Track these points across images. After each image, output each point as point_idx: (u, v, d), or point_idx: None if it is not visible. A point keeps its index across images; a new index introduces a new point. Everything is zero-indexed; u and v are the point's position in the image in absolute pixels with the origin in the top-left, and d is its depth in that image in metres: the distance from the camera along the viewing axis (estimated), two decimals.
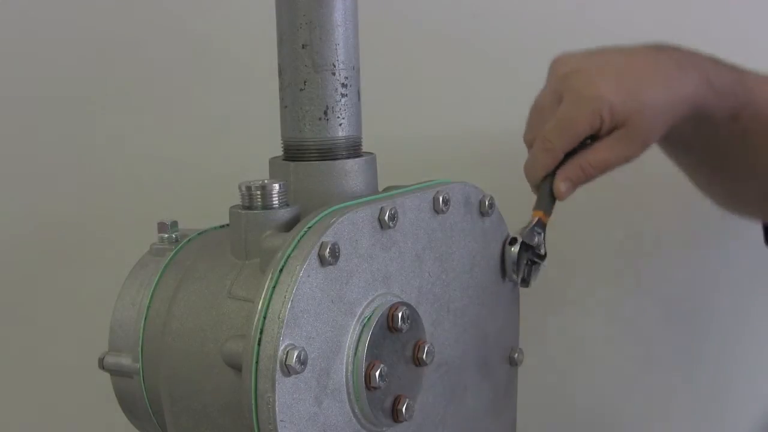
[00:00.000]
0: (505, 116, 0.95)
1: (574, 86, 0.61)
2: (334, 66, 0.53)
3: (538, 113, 0.66)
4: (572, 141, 0.62)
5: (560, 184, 0.62)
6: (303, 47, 0.53)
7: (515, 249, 0.60)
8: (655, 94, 0.61)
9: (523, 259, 0.60)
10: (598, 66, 0.63)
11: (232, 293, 0.49)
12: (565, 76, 0.63)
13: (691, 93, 0.63)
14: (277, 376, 0.42)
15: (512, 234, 0.60)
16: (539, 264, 0.61)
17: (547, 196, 0.63)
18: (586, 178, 0.63)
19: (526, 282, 0.61)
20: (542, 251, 0.61)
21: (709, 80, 0.63)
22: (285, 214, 0.50)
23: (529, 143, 0.65)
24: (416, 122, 0.96)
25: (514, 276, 0.60)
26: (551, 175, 0.63)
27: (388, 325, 0.48)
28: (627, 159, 0.63)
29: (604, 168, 0.62)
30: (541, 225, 0.61)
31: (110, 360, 0.55)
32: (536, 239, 0.60)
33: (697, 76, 0.63)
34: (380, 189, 0.57)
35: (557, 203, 0.63)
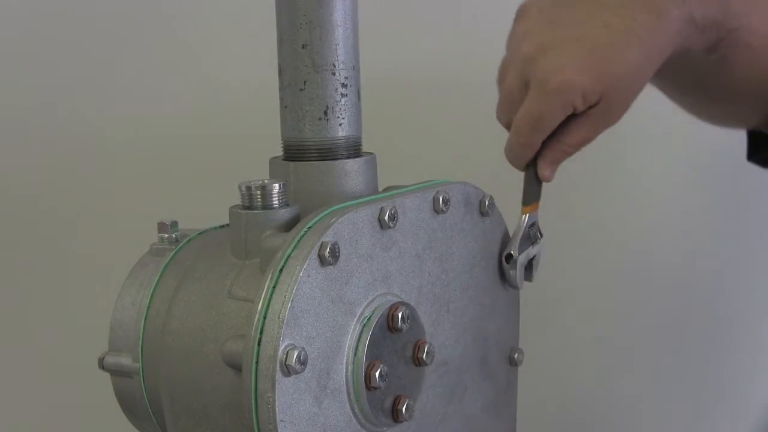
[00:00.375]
0: None
1: (540, 76, 0.56)
2: (334, 66, 0.53)
3: (508, 97, 0.61)
4: (546, 133, 0.59)
5: (545, 171, 0.60)
6: (303, 47, 0.53)
7: (511, 266, 0.60)
8: (630, 60, 0.56)
9: (522, 266, 0.60)
10: (563, 39, 0.56)
11: (232, 293, 0.49)
12: (530, 60, 0.57)
13: (671, 42, 0.57)
14: (277, 376, 0.42)
15: (507, 250, 0.60)
16: (537, 256, 0.61)
17: (533, 183, 0.62)
18: (569, 156, 0.61)
19: (529, 277, 0.61)
20: (538, 238, 0.61)
21: (692, 16, 0.56)
22: (285, 214, 0.50)
23: (505, 125, 0.63)
24: (416, 122, 0.96)
25: (516, 284, 0.61)
26: (533, 161, 0.62)
27: (388, 325, 0.48)
28: (606, 128, 0.60)
29: (585, 144, 0.60)
30: (533, 219, 0.61)
31: (110, 360, 0.55)
32: (531, 236, 0.60)
33: (678, 18, 0.56)
34: (380, 189, 0.57)
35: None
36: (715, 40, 0.59)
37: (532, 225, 0.61)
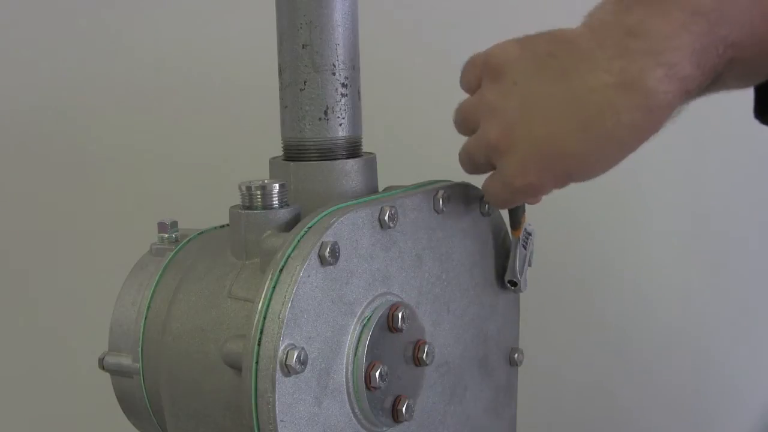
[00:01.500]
0: None
1: (505, 172, 0.51)
2: (334, 66, 0.53)
3: (471, 160, 0.55)
4: (516, 204, 0.57)
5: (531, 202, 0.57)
6: (303, 47, 0.53)
7: (517, 289, 0.61)
8: (603, 164, 0.49)
9: (525, 279, 0.61)
10: (533, 137, 0.49)
11: (232, 293, 0.49)
12: (496, 150, 0.51)
13: (658, 126, 0.47)
14: (277, 376, 0.42)
15: (508, 277, 0.61)
16: (531, 252, 0.61)
17: (516, 209, 0.61)
18: None
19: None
20: (529, 241, 0.61)
21: (687, 88, 0.46)
22: (285, 214, 0.50)
23: (468, 170, 0.57)
24: (416, 122, 0.96)
25: (522, 290, 0.62)
26: None
27: (388, 325, 0.48)
28: None
29: None
30: (524, 238, 0.61)
31: (110, 360, 0.55)
32: (525, 248, 0.61)
33: (672, 100, 0.46)
34: (380, 189, 0.57)
35: None
36: (712, 80, 0.48)
37: (525, 240, 0.61)
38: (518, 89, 0.50)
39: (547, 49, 0.49)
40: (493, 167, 0.53)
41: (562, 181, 0.50)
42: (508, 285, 0.61)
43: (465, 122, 0.55)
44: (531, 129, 0.49)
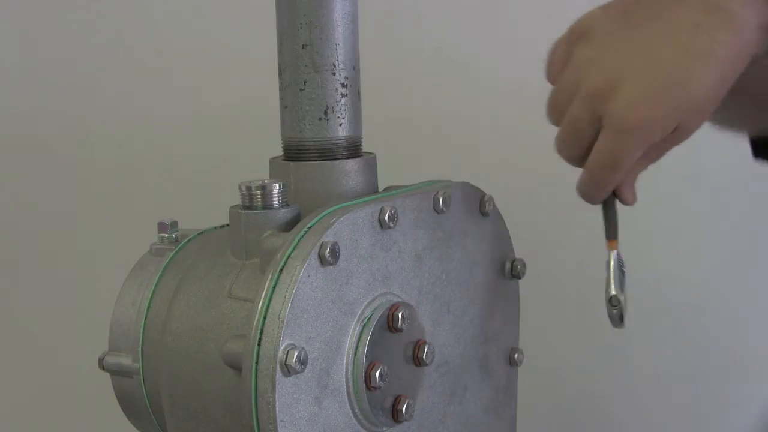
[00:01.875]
0: (505, 116, 0.95)
1: (615, 113, 0.52)
2: (334, 66, 0.53)
3: (574, 132, 0.56)
4: (625, 170, 0.55)
5: (628, 197, 0.57)
6: (303, 47, 0.53)
7: (618, 307, 0.56)
8: (708, 84, 0.52)
9: (625, 303, 0.57)
10: (636, 69, 0.52)
11: (232, 293, 0.49)
12: (601, 96, 0.52)
13: (748, 55, 0.51)
14: (277, 376, 0.42)
15: (611, 292, 0.56)
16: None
17: (612, 214, 0.59)
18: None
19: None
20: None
21: (766, 23, 0.51)
22: (285, 214, 0.50)
23: (568, 159, 0.58)
24: (416, 122, 0.96)
25: (621, 324, 0.57)
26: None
27: (388, 325, 0.48)
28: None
29: (654, 162, 0.56)
30: (619, 258, 0.58)
31: (110, 360, 0.55)
32: (622, 270, 0.57)
33: (757, 27, 0.51)
34: (380, 189, 0.57)
35: None
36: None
37: (620, 260, 0.58)
38: (612, 37, 0.53)
39: None
40: (596, 132, 0.53)
41: (671, 116, 0.51)
42: (609, 303, 0.56)
43: (561, 97, 0.55)
44: (633, 63, 0.51)
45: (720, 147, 0.98)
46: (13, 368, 0.99)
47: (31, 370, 0.99)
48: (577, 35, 0.55)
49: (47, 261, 0.97)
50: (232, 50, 0.94)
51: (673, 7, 0.51)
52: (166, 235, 0.58)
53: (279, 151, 0.56)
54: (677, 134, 0.53)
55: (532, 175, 0.92)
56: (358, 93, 0.55)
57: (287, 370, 0.42)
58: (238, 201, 0.51)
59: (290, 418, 0.43)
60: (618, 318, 0.56)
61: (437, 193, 0.53)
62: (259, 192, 0.50)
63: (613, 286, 0.56)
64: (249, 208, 0.50)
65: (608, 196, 0.58)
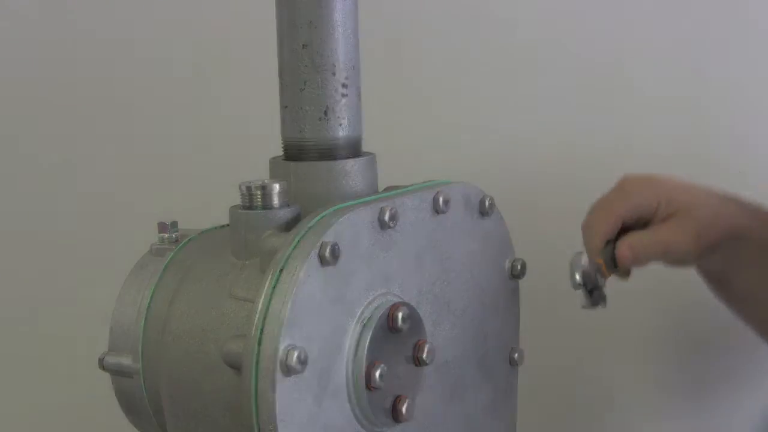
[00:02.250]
0: (505, 116, 0.95)
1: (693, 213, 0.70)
2: (334, 66, 0.53)
3: (636, 209, 0.71)
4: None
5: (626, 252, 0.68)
6: (303, 47, 0.53)
7: (584, 260, 0.64)
8: (709, 201, 0.71)
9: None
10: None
11: (232, 293, 0.49)
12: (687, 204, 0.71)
13: (734, 218, 0.71)
14: (277, 376, 0.42)
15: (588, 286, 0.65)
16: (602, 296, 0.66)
17: (609, 258, 0.67)
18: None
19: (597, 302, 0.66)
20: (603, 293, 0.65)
21: (751, 211, 0.72)
22: (285, 214, 0.50)
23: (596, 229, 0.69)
24: (416, 122, 0.96)
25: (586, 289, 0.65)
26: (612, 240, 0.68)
27: (389, 325, 0.48)
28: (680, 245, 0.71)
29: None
30: (601, 272, 0.66)
31: (110, 360, 0.55)
32: (597, 279, 0.65)
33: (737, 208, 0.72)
34: (380, 189, 0.57)
35: None
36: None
37: (600, 273, 0.65)
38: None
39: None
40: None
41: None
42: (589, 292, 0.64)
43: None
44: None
45: (721, 147, 0.98)
46: (13, 368, 0.99)
47: (32, 369, 0.99)
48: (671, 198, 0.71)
49: (47, 261, 0.97)
50: (232, 50, 0.94)
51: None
52: (166, 235, 0.58)
53: (279, 151, 0.56)
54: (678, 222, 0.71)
55: (532, 175, 0.92)
56: (358, 93, 0.55)
57: (287, 370, 0.42)
58: (238, 201, 0.51)
59: (290, 418, 0.43)
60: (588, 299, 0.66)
61: (437, 193, 0.53)
62: (259, 192, 0.50)
63: (577, 276, 0.65)
64: (249, 208, 0.50)
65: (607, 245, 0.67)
